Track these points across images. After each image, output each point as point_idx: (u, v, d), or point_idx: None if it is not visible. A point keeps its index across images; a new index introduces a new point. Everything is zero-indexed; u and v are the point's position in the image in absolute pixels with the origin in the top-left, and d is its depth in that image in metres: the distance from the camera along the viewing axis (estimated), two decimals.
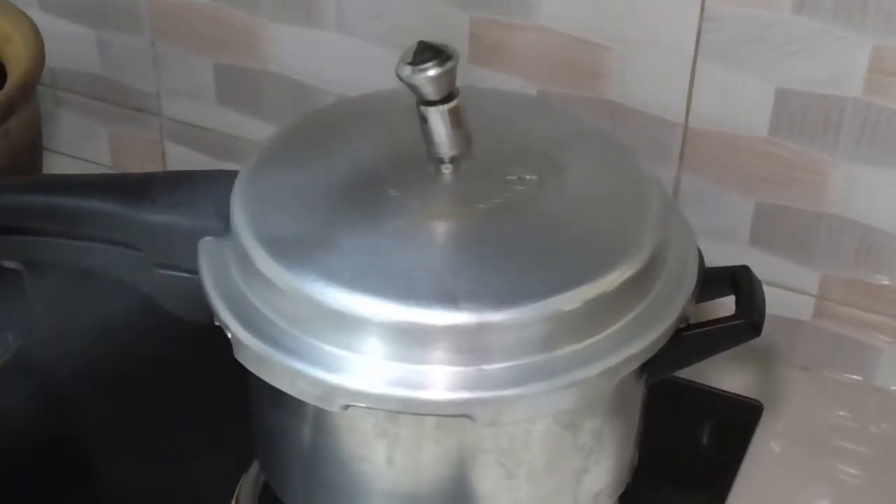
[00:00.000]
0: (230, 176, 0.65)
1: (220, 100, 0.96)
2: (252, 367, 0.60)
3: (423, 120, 0.61)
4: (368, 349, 0.58)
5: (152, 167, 1.01)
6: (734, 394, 0.85)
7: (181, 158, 1.00)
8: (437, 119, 0.61)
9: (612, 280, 0.59)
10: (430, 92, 0.60)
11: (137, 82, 0.98)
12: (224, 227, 0.63)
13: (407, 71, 0.59)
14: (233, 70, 0.94)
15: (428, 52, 0.59)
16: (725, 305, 0.66)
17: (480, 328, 0.57)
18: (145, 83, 0.98)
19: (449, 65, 0.59)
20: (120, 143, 1.03)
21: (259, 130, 0.93)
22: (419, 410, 0.59)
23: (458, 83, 0.61)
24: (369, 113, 0.69)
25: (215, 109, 0.96)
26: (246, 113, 0.95)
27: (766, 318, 0.65)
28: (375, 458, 0.62)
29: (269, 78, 0.93)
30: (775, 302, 0.73)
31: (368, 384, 0.58)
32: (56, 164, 1.02)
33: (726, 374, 0.85)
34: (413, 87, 0.60)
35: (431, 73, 0.59)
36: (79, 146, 1.04)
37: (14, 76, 0.84)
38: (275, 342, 0.59)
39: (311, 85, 0.91)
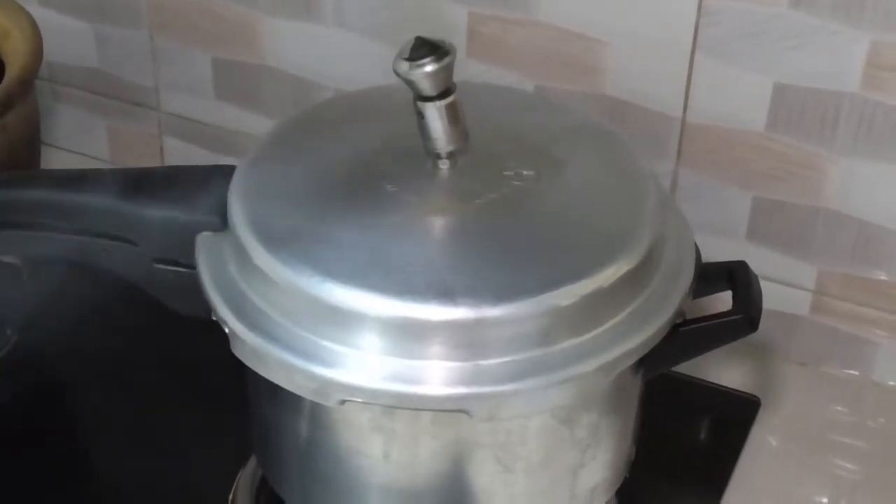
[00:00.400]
0: (228, 171, 0.65)
1: (218, 94, 0.96)
2: (249, 362, 0.60)
3: (420, 115, 0.61)
4: (365, 344, 0.58)
5: (150, 162, 1.01)
6: (731, 389, 0.85)
7: (179, 153, 1.00)
8: (434, 115, 0.61)
9: (609, 275, 0.59)
10: (427, 87, 0.60)
11: (136, 77, 0.98)
12: (222, 222, 0.63)
13: (404, 66, 0.59)
14: (231, 65, 0.94)
15: (425, 47, 0.59)
16: (723, 300, 0.66)
17: (477, 323, 0.57)
18: (143, 78, 0.98)
19: (446, 60, 0.59)
20: (118, 138, 1.02)
21: (257, 125, 0.93)
22: (416, 405, 0.59)
23: (456, 78, 0.61)
24: (367, 108, 0.69)
25: (213, 104, 0.96)
26: (244, 107, 0.95)
27: (764, 313, 0.65)
28: (372, 452, 0.62)
29: (268, 72, 0.93)
30: (772, 297, 0.73)
31: (365, 379, 0.58)
32: (54, 159, 1.02)
33: (724, 370, 0.85)
34: (410, 83, 0.60)
35: (428, 68, 0.59)
36: (77, 141, 1.04)
37: (12, 71, 0.84)
38: (272, 337, 0.59)
39: (309, 80, 0.91)
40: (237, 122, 0.96)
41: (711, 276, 0.66)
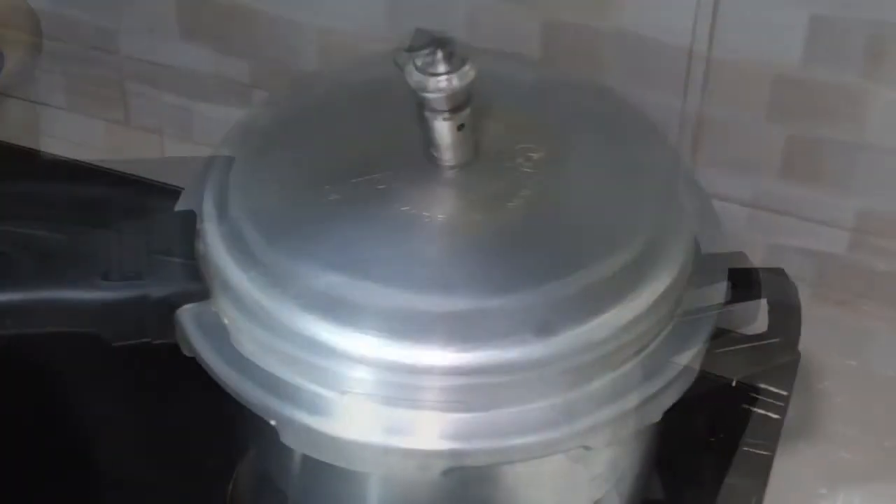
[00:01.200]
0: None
1: (183, 35, 0.93)
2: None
3: (421, 108, 0.62)
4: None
5: (112, 109, 0.99)
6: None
7: (143, 99, 0.98)
8: (444, 129, 0.62)
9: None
10: (442, 103, 0.61)
11: (93, 18, 0.96)
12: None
13: (416, 77, 0.60)
14: (196, 2, 0.91)
15: (431, 46, 0.60)
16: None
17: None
18: (102, 19, 0.96)
19: (464, 70, 0.60)
20: (76, 85, 1.01)
21: (228, 67, 0.92)
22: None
23: None
24: (367, 99, 0.70)
25: (178, 46, 0.94)
26: (212, 49, 0.93)
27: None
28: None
29: (239, 12, 0.90)
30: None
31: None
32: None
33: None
34: (419, 91, 0.61)
35: (443, 84, 0.60)
36: (30, 88, 1.02)
37: None
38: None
39: (286, 19, 0.89)
40: (205, 64, 0.93)
41: (742, 282, 0.65)
